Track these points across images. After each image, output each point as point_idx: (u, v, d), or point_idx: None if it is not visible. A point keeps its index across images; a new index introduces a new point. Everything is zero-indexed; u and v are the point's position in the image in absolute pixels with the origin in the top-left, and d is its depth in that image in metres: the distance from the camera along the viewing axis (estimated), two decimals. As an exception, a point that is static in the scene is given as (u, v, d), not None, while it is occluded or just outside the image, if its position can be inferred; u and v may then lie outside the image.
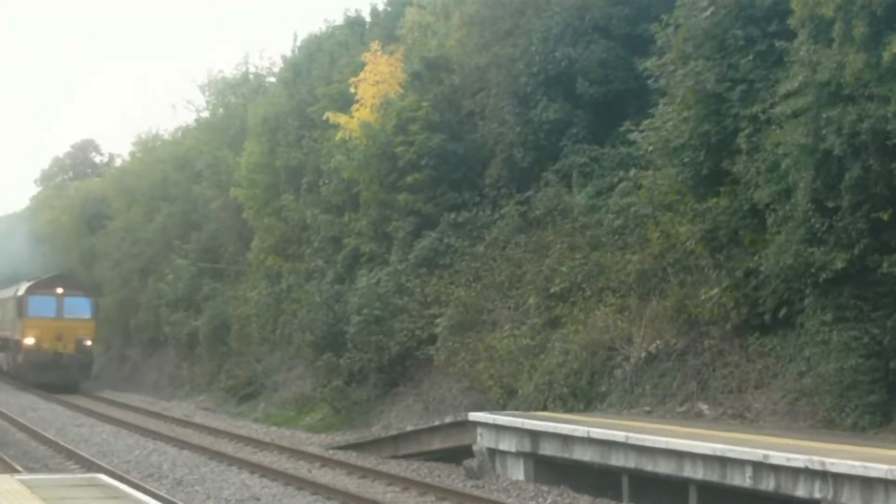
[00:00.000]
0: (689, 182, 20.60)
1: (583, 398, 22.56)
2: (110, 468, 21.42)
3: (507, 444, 20.13)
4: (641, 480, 17.12)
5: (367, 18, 39.97)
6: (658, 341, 21.92)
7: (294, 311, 35.05)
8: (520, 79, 27.88)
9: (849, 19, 16.29)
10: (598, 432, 17.67)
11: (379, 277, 30.76)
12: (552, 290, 24.95)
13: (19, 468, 21.15)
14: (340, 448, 25.98)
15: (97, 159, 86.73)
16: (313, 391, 32.77)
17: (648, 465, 16.63)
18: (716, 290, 20.70)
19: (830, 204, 17.01)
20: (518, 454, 19.91)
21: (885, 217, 16.50)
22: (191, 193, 48.10)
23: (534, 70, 27.50)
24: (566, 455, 18.54)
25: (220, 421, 34.47)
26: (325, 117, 33.78)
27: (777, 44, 18.72)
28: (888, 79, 15.88)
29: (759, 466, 14.49)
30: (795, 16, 17.69)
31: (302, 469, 23.15)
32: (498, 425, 20.37)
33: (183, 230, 48.71)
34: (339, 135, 32.86)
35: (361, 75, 33.00)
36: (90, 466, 22.59)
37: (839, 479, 13.38)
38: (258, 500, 19.32)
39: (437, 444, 22.84)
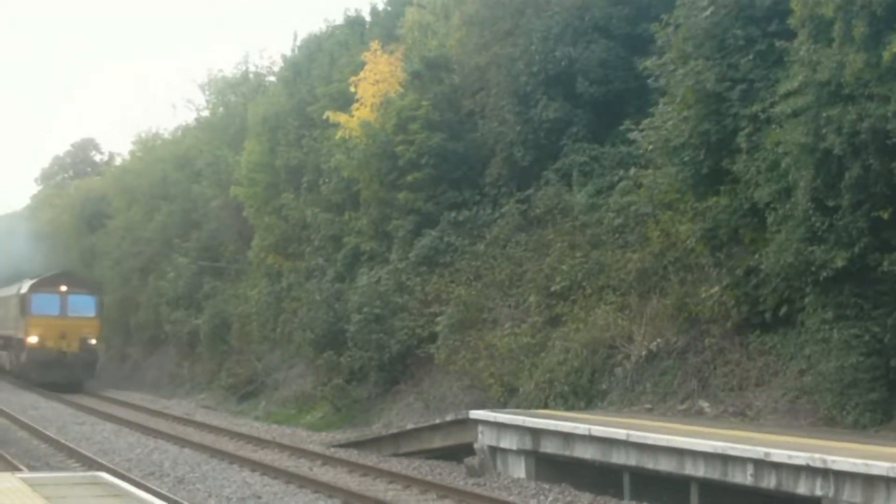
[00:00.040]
0: (689, 181, 20.63)
1: (584, 396, 22.60)
2: (111, 466, 21.47)
3: (508, 442, 20.18)
4: (642, 478, 17.17)
5: (367, 18, 39.98)
6: (659, 339, 21.96)
7: (294, 309, 35.09)
8: (520, 78, 27.91)
9: (849, 19, 16.32)
10: (599, 430, 17.71)
11: (379, 276, 30.80)
12: (553, 289, 24.99)
13: (21, 466, 21.18)
14: (341, 446, 26.02)
15: (97, 158, 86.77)
16: (314, 389, 32.80)
17: (649, 463, 16.67)
18: (716, 289, 20.74)
19: (830, 203, 17.04)
20: (519, 452, 19.95)
21: (886, 216, 16.53)
22: (191, 192, 48.11)
23: (534, 69, 27.53)
24: (567, 453, 18.58)
25: (221, 419, 34.50)
26: (325, 116, 33.81)
27: (777, 43, 18.74)
28: (888, 78, 15.91)
29: (761, 464, 14.54)
30: (795, 15, 17.72)
31: (303, 467, 23.18)
32: (499, 423, 20.42)
33: (183, 229, 48.71)
34: (339, 134, 32.89)
35: (361, 74, 33.03)
36: (91, 465, 22.64)
37: (840, 476, 13.42)
38: (259, 498, 19.36)
39: (437, 442, 22.87)
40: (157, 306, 49.27)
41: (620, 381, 22.13)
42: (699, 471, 15.66)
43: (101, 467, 20.62)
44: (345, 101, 33.61)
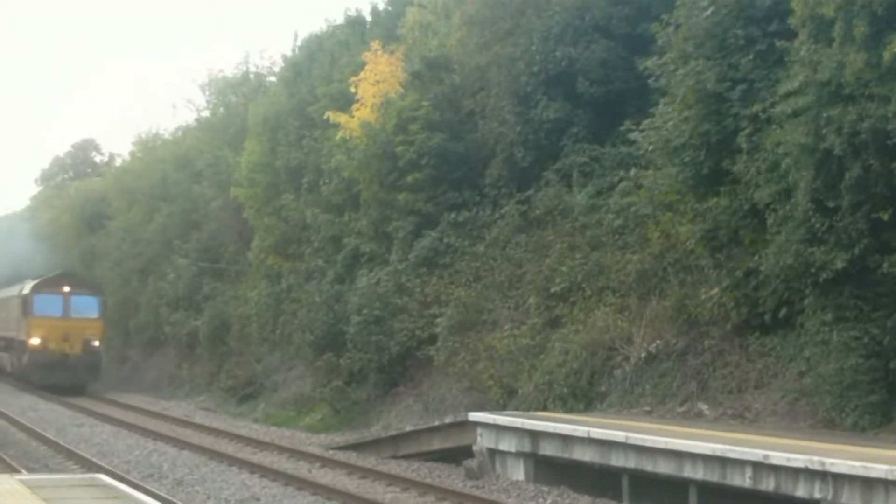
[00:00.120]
0: (689, 182, 20.59)
1: (583, 398, 22.55)
2: (110, 468, 21.42)
3: (507, 445, 20.12)
4: (641, 480, 17.12)
5: (368, 18, 39.95)
6: (658, 341, 21.91)
7: (294, 310, 35.04)
8: (520, 78, 27.87)
9: (849, 19, 16.28)
10: (598, 432, 17.66)
11: (379, 277, 30.75)
12: (552, 290, 24.94)
13: (20, 468, 21.15)
14: (340, 448, 25.97)
15: (97, 159, 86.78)
16: (313, 391, 32.76)
17: (648, 466, 16.62)
18: (716, 290, 20.69)
19: (831, 204, 17.00)
20: (518, 454, 19.89)
21: (886, 217, 16.48)
22: (191, 193, 48.07)
23: (534, 69, 27.48)
24: (566, 455, 18.53)
25: (220, 421, 34.47)
26: (325, 117, 33.78)
27: (777, 43, 18.71)
28: (888, 78, 15.87)
29: (759, 467, 14.48)
30: (796, 15, 17.67)
31: (302, 469, 23.14)
32: (498, 425, 20.36)
33: (183, 230, 48.69)
34: (340, 134, 32.86)
35: (362, 75, 33.00)
36: (90, 467, 22.60)
37: (839, 479, 13.37)
38: (258, 500, 19.33)
39: (437, 444, 22.82)
40: (157, 307, 49.23)
41: (620, 383, 22.08)
42: (698, 473, 15.61)
43: (100, 469, 20.56)
44: (345, 102, 33.58)
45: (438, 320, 27.71)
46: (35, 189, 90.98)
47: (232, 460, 24.42)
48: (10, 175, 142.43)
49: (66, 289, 47.52)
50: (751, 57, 19.55)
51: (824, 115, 16.56)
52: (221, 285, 44.60)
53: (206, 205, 46.46)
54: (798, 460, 13.83)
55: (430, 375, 28.38)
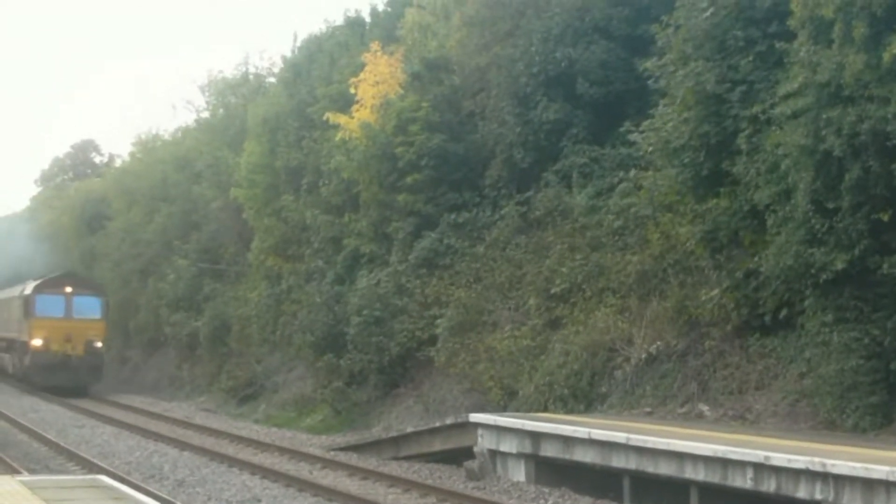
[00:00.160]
0: (689, 183, 20.60)
1: (583, 399, 22.56)
2: (111, 469, 21.43)
3: (507, 446, 20.13)
4: (642, 482, 17.13)
5: (367, 19, 39.97)
6: (658, 342, 21.92)
7: (294, 311, 35.05)
8: (520, 79, 27.88)
9: (849, 20, 16.30)
10: (599, 433, 17.67)
11: (379, 278, 30.76)
12: (552, 291, 24.95)
13: (21, 469, 21.13)
14: (341, 449, 25.98)
15: (97, 160, 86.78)
16: (314, 392, 32.76)
17: (649, 467, 16.63)
18: (716, 291, 20.70)
19: (830, 205, 17.02)
20: (519, 455, 19.90)
21: (886, 218, 16.50)
22: (191, 194, 48.06)
23: (534, 71, 27.50)
24: (567, 456, 18.55)
25: (221, 422, 34.46)
26: (325, 118, 33.78)
27: (777, 45, 18.73)
28: (888, 80, 15.89)
29: (760, 468, 14.50)
30: (795, 17, 17.70)
31: (303, 470, 23.15)
32: (499, 426, 20.37)
33: (183, 231, 48.68)
34: (339, 135, 32.87)
35: (361, 76, 33.00)
36: (91, 468, 22.59)
37: (840, 480, 13.39)
38: (259, 501, 19.33)
39: (437, 445, 22.83)
40: (157, 308, 49.20)
41: (620, 384, 22.09)
42: (699, 474, 15.63)
43: (101, 470, 20.56)
44: (345, 103, 33.59)
45: (439, 321, 27.72)
46: (35, 190, 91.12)
47: (233, 461, 24.42)
48: (10, 176, 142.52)
49: (69, 289, 46.99)
50: (750, 58, 19.57)
51: (824, 116, 16.58)
52: (221, 286, 44.59)
53: (206, 206, 46.46)
54: (799, 461, 13.85)
55: (430, 376, 28.39)
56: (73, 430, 32.02)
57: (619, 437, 17.17)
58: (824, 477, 13.58)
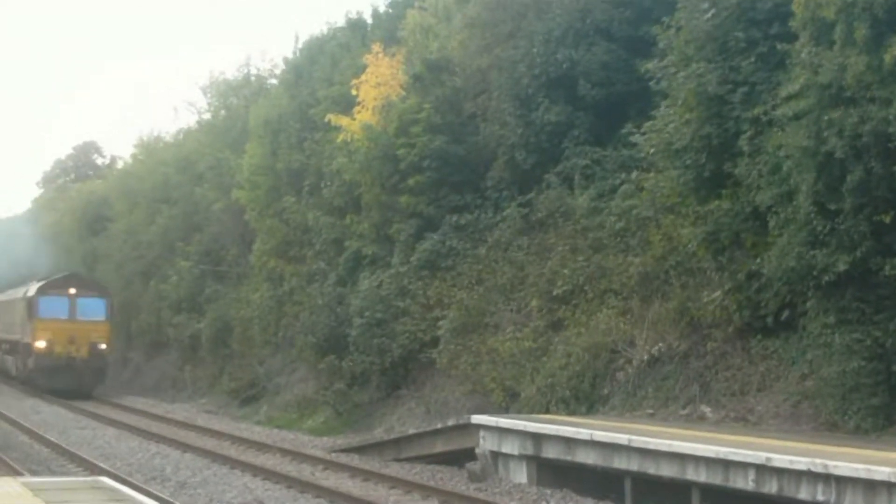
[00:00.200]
0: (690, 184, 20.60)
1: (585, 401, 22.55)
2: (113, 471, 21.43)
3: (509, 447, 20.12)
4: (644, 483, 17.11)
5: (369, 20, 40.02)
6: (660, 344, 21.90)
7: (296, 313, 35.07)
8: (521, 81, 27.88)
9: (850, 21, 16.29)
10: (600, 435, 17.66)
11: (381, 280, 30.77)
12: (554, 293, 24.94)
13: (22, 471, 21.16)
14: (343, 451, 25.98)
15: (99, 161, 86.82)
16: (315, 394, 32.76)
17: (651, 468, 16.63)
18: (718, 293, 20.69)
19: (832, 206, 17.01)
20: (521, 457, 19.90)
21: (888, 220, 16.47)
22: (192, 195, 48.06)
23: (535, 72, 27.50)
24: (569, 458, 18.54)
25: (223, 423, 34.46)
26: (326, 119, 33.82)
27: (778, 46, 18.72)
28: (890, 81, 15.88)
29: (762, 469, 14.49)
30: (797, 18, 17.69)
31: (305, 472, 23.15)
32: (500, 428, 20.36)
33: (185, 232, 48.68)
34: (341, 137, 32.89)
35: (363, 77, 33.04)
36: (93, 469, 22.58)
37: (842, 481, 13.37)
38: (261, 502, 19.34)
39: (439, 447, 22.82)
40: (159, 310, 49.21)
41: (622, 385, 22.08)
42: (701, 476, 15.62)
43: (103, 472, 20.55)
44: (346, 104, 33.61)
45: (441, 323, 27.72)
46: (37, 191, 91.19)
47: (235, 463, 24.42)
48: (12, 177, 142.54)
49: (73, 291, 46.49)
50: (752, 60, 19.56)
51: (825, 117, 16.57)
52: (223, 288, 44.60)
53: (208, 207, 46.47)
54: (801, 463, 13.84)
55: (432, 378, 28.39)
56: (74, 431, 32.03)
57: (621, 438, 17.16)
58: (826, 478, 13.56)
